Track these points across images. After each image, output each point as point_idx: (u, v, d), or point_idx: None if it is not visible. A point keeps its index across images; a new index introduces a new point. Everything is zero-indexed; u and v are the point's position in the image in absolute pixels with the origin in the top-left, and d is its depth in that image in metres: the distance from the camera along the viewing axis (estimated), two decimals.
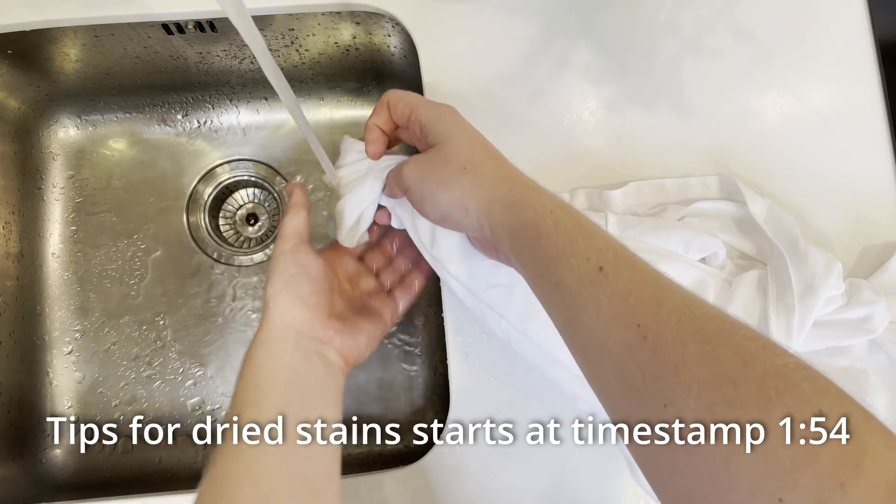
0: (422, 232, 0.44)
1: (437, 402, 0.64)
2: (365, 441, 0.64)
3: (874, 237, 0.51)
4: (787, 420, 0.23)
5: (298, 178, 0.70)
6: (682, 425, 0.26)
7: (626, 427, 0.29)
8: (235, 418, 0.38)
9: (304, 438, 0.38)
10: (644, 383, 0.28)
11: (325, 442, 0.39)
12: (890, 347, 0.44)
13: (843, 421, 0.23)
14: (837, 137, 0.53)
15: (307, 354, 0.41)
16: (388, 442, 0.64)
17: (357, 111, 0.71)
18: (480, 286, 0.45)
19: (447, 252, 0.44)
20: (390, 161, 0.45)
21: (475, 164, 0.39)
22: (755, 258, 0.48)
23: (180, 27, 0.57)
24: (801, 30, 0.54)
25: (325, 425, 0.39)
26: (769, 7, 0.54)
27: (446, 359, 0.50)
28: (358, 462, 0.63)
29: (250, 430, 0.37)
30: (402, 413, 0.65)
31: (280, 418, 0.38)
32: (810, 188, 0.52)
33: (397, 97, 0.43)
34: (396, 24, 0.56)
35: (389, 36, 0.60)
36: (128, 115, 0.69)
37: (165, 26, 0.56)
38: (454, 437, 0.49)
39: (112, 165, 0.69)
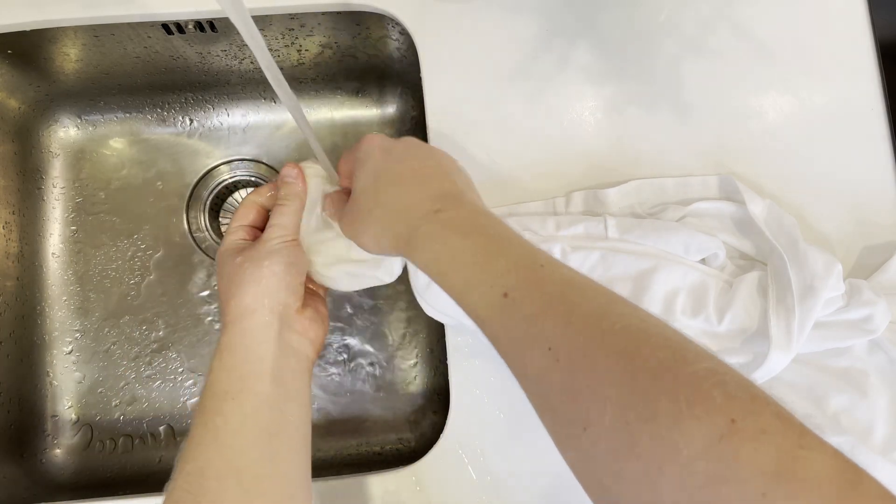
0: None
1: (437, 401, 0.64)
2: (365, 441, 0.64)
3: (874, 237, 0.51)
4: (701, 433, 0.23)
5: None
6: (603, 448, 0.25)
7: (560, 448, 0.29)
8: (216, 410, 0.37)
9: (283, 440, 0.38)
10: (564, 406, 0.28)
11: (301, 443, 0.39)
12: (890, 347, 0.44)
13: (755, 427, 0.23)
14: (837, 137, 0.53)
15: (286, 349, 0.40)
16: (387, 442, 0.64)
17: (357, 111, 0.71)
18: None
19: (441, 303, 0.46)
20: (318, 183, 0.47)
21: (378, 202, 0.38)
22: (755, 258, 0.48)
23: (180, 27, 0.57)
24: (801, 29, 0.54)
25: (301, 427, 0.39)
26: (769, 7, 0.54)
27: (446, 359, 0.50)
28: (358, 462, 0.63)
29: (234, 427, 0.36)
30: (402, 413, 0.65)
31: (262, 418, 0.37)
32: (810, 188, 0.52)
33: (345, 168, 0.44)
34: (396, 24, 0.56)
35: (389, 36, 0.60)
36: (128, 115, 0.69)
37: (165, 26, 0.56)
38: (454, 437, 0.49)
39: (112, 165, 0.69)
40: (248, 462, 0.35)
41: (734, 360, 0.43)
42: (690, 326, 0.44)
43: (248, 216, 0.46)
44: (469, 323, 0.44)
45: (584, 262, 0.46)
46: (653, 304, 0.44)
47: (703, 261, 0.47)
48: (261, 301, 0.39)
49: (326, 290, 0.48)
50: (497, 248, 0.33)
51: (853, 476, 0.22)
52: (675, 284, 0.45)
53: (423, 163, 0.40)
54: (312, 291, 0.46)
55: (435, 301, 0.47)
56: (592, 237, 0.47)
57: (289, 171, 0.46)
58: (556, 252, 0.47)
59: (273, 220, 0.44)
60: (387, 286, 0.59)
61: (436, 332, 0.64)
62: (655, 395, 0.24)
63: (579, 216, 0.48)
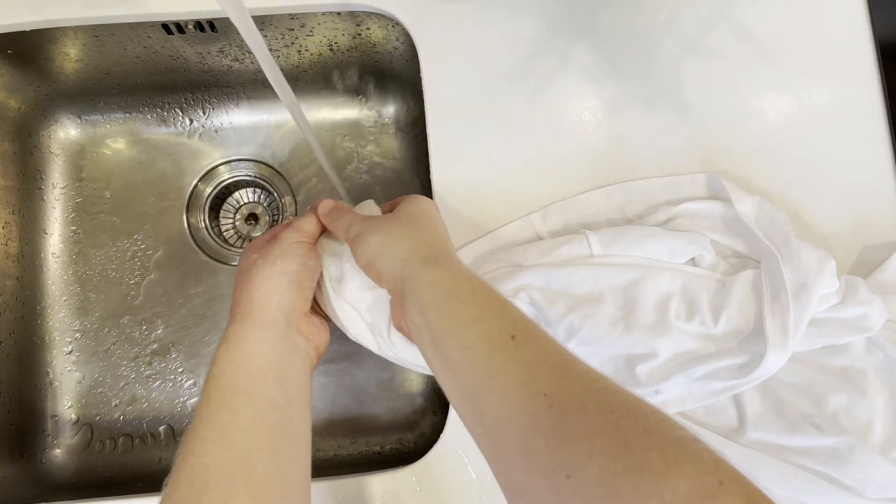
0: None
1: (437, 402, 0.64)
2: (365, 441, 0.64)
3: (874, 237, 0.51)
4: (689, 489, 0.23)
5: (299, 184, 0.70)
6: (584, 498, 0.25)
7: (525, 501, 0.28)
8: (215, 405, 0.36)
9: (289, 442, 0.37)
10: (547, 452, 0.27)
11: (304, 446, 0.39)
12: (888, 346, 0.44)
13: (741, 492, 0.23)
14: (837, 137, 0.53)
15: (293, 348, 0.40)
16: (387, 442, 0.64)
17: (357, 111, 0.71)
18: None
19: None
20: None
21: (412, 222, 0.40)
22: (748, 256, 0.48)
23: (180, 27, 0.57)
24: (801, 30, 0.54)
25: (304, 429, 0.39)
26: (769, 7, 0.54)
27: None
28: (358, 462, 0.63)
29: (243, 424, 0.35)
30: (402, 413, 0.65)
31: (270, 418, 0.36)
32: (810, 188, 0.52)
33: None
34: (396, 24, 0.56)
35: (389, 36, 0.60)
36: (128, 115, 0.69)
37: (165, 26, 0.56)
38: (454, 437, 0.49)
39: (112, 165, 0.69)
40: (256, 463, 0.34)
41: (731, 361, 0.43)
42: (686, 331, 0.44)
43: (281, 228, 0.46)
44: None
45: (571, 277, 0.45)
46: (646, 313, 0.44)
47: (692, 262, 0.47)
48: (270, 297, 0.39)
49: None
50: (507, 301, 0.35)
51: None
52: (666, 290, 0.44)
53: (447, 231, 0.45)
54: (316, 305, 0.46)
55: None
56: (577, 257, 0.46)
57: (326, 202, 0.47)
58: (541, 274, 0.46)
59: (294, 223, 0.44)
60: None
61: None
62: (644, 449, 0.25)
63: (561, 238, 0.48)
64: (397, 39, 0.60)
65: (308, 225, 0.44)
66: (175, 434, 0.65)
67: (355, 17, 0.57)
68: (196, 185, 0.69)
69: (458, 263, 0.38)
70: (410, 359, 0.44)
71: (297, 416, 0.38)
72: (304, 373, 0.41)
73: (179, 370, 0.66)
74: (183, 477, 0.33)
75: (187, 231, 0.68)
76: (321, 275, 0.45)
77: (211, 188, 0.69)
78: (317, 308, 0.45)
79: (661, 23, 0.54)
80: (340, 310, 0.44)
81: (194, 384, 0.66)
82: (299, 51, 0.63)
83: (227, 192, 0.71)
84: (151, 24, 0.56)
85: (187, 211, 0.68)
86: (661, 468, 0.24)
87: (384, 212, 0.47)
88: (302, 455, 0.38)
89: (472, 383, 0.32)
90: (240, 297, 0.40)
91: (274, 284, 0.40)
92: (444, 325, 0.34)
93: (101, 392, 0.65)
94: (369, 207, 0.48)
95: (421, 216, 0.42)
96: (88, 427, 0.64)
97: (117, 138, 0.69)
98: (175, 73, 0.65)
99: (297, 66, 0.66)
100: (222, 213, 0.71)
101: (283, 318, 0.40)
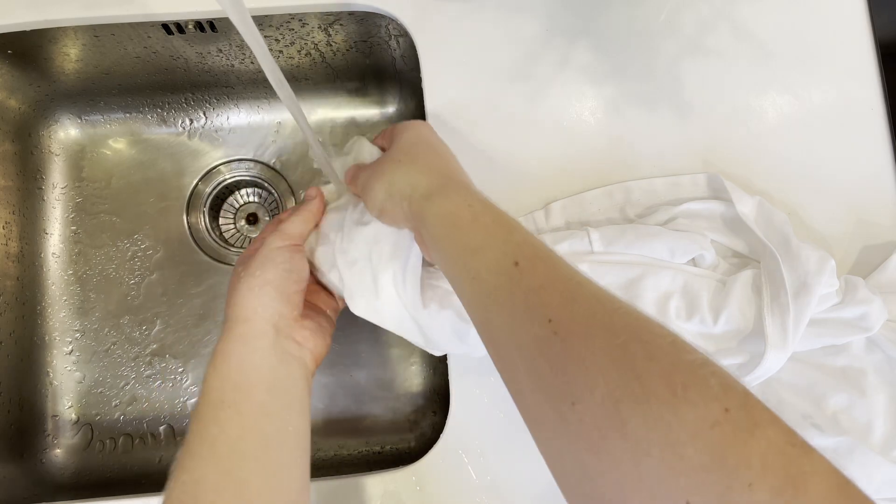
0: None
1: (437, 402, 0.64)
2: (365, 441, 0.64)
3: (874, 237, 0.51)
4: (695, 417, 0.23)
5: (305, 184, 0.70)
6: (589, 424, 0.25)
7: (536, 426, 0.29)
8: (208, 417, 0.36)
9: (284, 450, 0.37)
10: (552, 377, 0.27)
11: (301, 452, 0.38)
12: (888, 346, 0.44)
13: (748, 420, 0.23)
14: (837, 137, 0.53)
15: (284, 357, 0.39)
16: (387, 442, 0.64)
17: (357, 111, 0.71)
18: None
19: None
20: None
21: (409, 156, 0.41)
22: (748, 256, 0.48)
23: (180, 27, 0.57)
24: (801, 30, 0.54)
25: (301, 436, 0.39)
26: (769, 7, 0.54)
27: (446, 358, 0.50)
28: (358, 462, 0.63)
29: (231, 437, 0.35)
30: (402, 413, 0.65)
31: (260, 428, 0.36)
32: (810, 188, 0.52)
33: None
34: (396, 24, 0.56)
35: (389, 36, 0.60)
36: (128, 115, 0.69)
37: (165, 26, 0.57)
38: (454, 437, 0.49)
39: (112, 165, 0.69)
40: (246, 474, 0.35)
41: (731, 360, 0.43)
42: (686, 329, 0.44)
43: (270, 230, 0.46)
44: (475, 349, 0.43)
45: None
46: (646, 311, 0.44)
47: (692, 262, 0.47)
48: (253, 309, 0.39)
49: (338, 308, 0.47)
50: (513, 223, 0.35)
51: (842, 479, 0.21)
52: (666, 289, 0.45)
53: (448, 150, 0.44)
54: (316, 307, 0.45)
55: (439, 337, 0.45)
56: (578, 253, 0.46)
57: (309, 192, 0.47)
58: None
59: (278, 227, 0.44)
60: None
61: None
62: (650, 376, 0.24)
63: (562, 233, 0.48)
64: (397, 39, 0.60)
65: (291, 226, 0.44)
66: (175, 434, 0.65)
67: (355, 16, 0.57)
68: (196, 185, 0.69)
69: (457, 190, 0.37)
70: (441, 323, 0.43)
71: (291, 423, 0.38)
72: (300, 380, 0.40)
73: (179, 370, 0.66)
74: (174, 494, 0.34)
75: (187, 231, 0.68)
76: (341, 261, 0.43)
77: (211, 188, 0.69)
78: (311, 312, 0.44)
79: (661, 23, 0.54)
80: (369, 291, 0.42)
81: (194, 384, 0.66)
82: (299, 51, 0.63)
83: (227, 192, 0.71)
84: (151, 24, 0.56)
85: (187, 211, 0.68)
86: (668, 397, 0.23)
87: (378, 145, 0.47)
88: (298, 461, 0.38)
89: (482, 311, 0.33)
90: (227, 313, 0.40)
91: (256, 296, 0.39)
92: (454, 255, 0.35)
93: (101, 392, 0.65)
94: (360, 145, 0.48)
95: (417, 145, 0.42)
96: (88, 427, 0.64)
97: (117, 138, 0.69)
98: (175, 73, 0.65)
99: (297, 66, 0.66)
100: (222, 213, 0.71)
101: (270, 328, 0.39)
